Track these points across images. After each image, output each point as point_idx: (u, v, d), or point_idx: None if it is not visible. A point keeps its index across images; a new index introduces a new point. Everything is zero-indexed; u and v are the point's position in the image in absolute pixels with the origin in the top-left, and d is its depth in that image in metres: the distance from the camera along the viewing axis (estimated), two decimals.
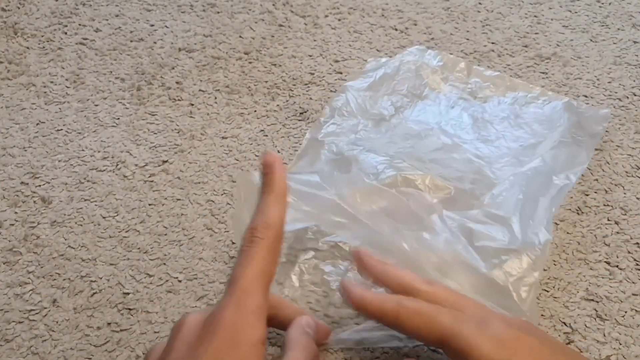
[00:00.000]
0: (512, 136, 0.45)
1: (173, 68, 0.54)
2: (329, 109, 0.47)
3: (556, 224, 0.41)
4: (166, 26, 0.58)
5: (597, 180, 0.43)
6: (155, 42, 0.57)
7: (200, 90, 0.52)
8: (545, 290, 0.37)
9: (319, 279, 0.38)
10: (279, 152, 0.46)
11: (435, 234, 0.36)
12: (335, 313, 0.36)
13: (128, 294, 0.38)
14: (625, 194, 0.43)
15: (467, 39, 0.56)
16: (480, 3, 0.60)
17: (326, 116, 0.47)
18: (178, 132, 0.48)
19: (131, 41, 0.57)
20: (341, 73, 0.52)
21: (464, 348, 0.27)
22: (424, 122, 0.46)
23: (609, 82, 0.51)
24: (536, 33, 0.56)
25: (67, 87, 0.53)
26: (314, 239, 0.39)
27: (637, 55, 0.53)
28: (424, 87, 0.49)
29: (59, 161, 0.46)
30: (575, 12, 0.58)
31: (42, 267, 0.40)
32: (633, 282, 0.38)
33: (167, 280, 0.39)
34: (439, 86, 0.49)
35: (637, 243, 0.40)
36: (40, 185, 0.45)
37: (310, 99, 0.50)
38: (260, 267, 0.26)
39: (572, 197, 0.42)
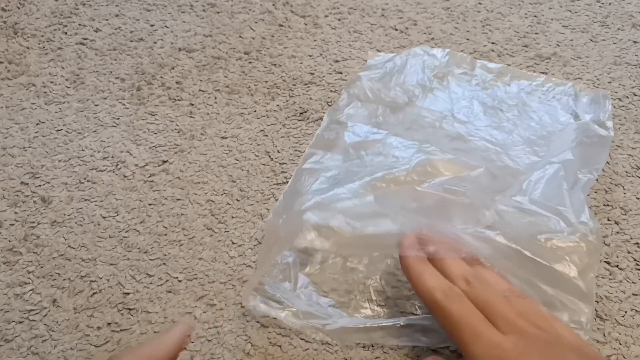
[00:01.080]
0: (523, 124, 0.46)
1: (173, 68, 0.54)
2: (346, 95, 0.48)
3: None
4: (166, 26, 0.58)
5: (597, 180, 0.43)
6: (155, 42, 0.56)
7: (200, 90, 0.52)
8: None
9: (340, 268, 0.38)
10: (278, 152, 0.46)
11: (495, 231, 0.35)
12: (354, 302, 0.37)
13: (128, 294, 0.38)
14: (625, 194, 0.43)
15: (467, 39, 0.56)
16: (480, 3, 0.60)
17: (344, 101, 0.48)
18: (178, 132, 0.48)
19: (131, 41, 0.57)
20: (341, 73, 0.52)
21: None
22: (437, 110, 0.48)
23: (609, 82, 0.51)
24: (536, 33, 0.56)
25: (67, 87, 0.53)
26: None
27: (637, 55, 0.53)
28: (432, 80, 0.50)
29: (59, 161, 0.46)
30: (575, 12, 0.58)
31: (42, 267, 0.40)
32: (633, 282, 0.38)
33: (167, 280, 0.39)
34: (447, 78, 0.51)
35: (637, 243, 0.40)
36: (40, 185, 0.45)
37: (310, 99, 0.50)
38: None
39: None
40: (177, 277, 0.39)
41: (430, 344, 0.34)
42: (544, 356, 0.27)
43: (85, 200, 0.44)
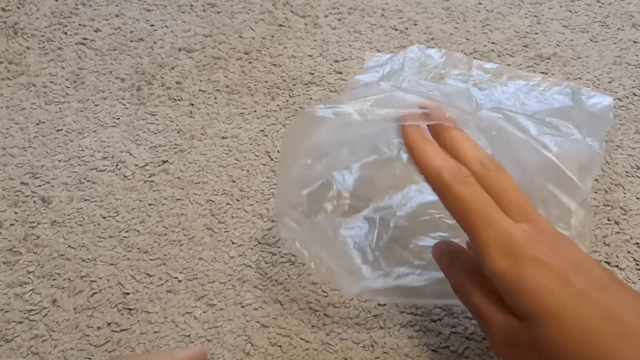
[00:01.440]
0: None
1: (173, 68, 0.54)
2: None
3: None
4: (166, 26, 0.58)
5: (597, 180, 0.43)
6: (155, 42, 0.57)
7: (200, 90, 0.52)
8: None
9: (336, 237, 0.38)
10: (278, 152, 0.46)
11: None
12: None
13: (128, 294, 0.38)
14: (625, 194, 0.43)
15: (467, 39, 0.56)
16: (480, 3, 0.60)
17: None
18: (178, 132, 0.48)
19: (131, 41, 0.57)
20: (341, 73, 0.52)
21: (479, 251, 0.27)
22: None
23: (609, 82, 0.51)
24: (536, 33, 0.56)
25: (67, 87, 0.53)
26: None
27: (637, 55, 0.53)
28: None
29: (59, 161, 0.46)
30: (575, 12, 0.58)
31: (42, 267, 0.40)
32: (633, 282, 0.38)
33: (167, 280, 0.39)
34: (444, 80, 0.50)
35: (637, 243, 0.40)
36: (40, 185, 0.45)
37: (310, 99, 0.50)
38: None
39: None
40: (177, 277, 0.39)
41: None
42: (554, 248, 0.26)
43: (85, 200, 0.44)
